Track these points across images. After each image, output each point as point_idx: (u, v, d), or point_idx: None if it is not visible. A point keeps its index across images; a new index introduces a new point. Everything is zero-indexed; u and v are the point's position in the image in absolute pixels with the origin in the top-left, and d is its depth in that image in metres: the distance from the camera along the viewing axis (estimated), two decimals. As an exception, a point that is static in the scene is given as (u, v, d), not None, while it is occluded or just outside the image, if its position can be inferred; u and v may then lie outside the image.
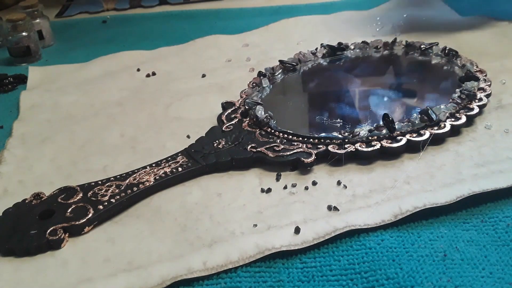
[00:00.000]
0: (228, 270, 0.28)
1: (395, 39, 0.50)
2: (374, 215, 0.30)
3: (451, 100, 0.39)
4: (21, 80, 0.56)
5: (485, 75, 0.43)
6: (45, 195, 0.34)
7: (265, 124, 0.39)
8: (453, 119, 0.37)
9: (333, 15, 0.66)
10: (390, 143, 0.35)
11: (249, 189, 0.34)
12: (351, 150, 0.35)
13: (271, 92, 0.45)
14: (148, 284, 0.27)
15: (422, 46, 0.49)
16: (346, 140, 0.36)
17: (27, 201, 0.33)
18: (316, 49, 0.51)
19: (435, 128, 0.36)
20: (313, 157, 0.34)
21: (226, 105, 0.43)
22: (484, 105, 0.39)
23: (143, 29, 0.70)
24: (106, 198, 0.32)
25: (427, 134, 0.35)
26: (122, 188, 0.33)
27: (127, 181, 0.34)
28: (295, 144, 0.36)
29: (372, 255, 0.28)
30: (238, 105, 0.42)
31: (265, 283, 0.27)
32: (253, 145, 0.36)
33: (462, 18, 0.61)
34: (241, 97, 0.44)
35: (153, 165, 0.35)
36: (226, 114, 0.41)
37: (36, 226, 0.31)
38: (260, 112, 0.39)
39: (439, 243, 0.28)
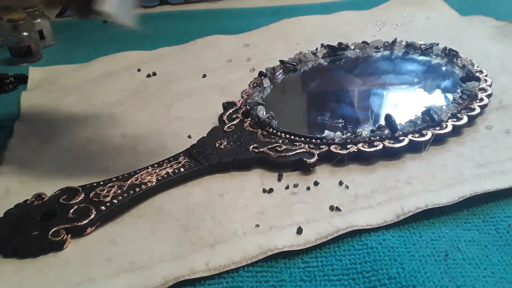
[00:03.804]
0: (230, 270, 0.28)
1: (395, 39, 0.51)
2: (376, 216, 0.30)
3: (452, 100, 0.39)
4: (22, 80, 0.56)
5: (486, 75, 0.43)
6: (46, 196, 0.34)
7: (266, 124, 0.39)
8: (454, 119, 0.37)
9: (333, 15, 0.66)
10: (392, 143, 0.35)
11: (251, 190, 0.34)
12: (353, 151, 0.35)
13: (272, 92, 0.45)
14: (150, 285, 0.27)
15: (422, 46, 0.49)
16: (349, 141, 0.36)
17: (28, 202, 0.33)
18: (317, 49, 0.51)
19: (437, 128, 0.36)
20: (316, 157, 0.35)
21: (227, 105, 0.43)
22: (485, 105, 0.39)
23: (143, 29, 0.70)
24: (108, 198, 0.32)
25: (429, 134, 0.35)
26: (124, 188, 0.33)
27: (129, 181, 0.34)
28: (297, 144, 0.36)
29: (374, 255, 0.28)
30: (239, 105, 0.42)
31: (267, 282, 0.27)
32: (255, 145, 0.36)
33: (462, 18, 0.61)
34: (242, 97, 0.44)
35: (155, 165, 0.35)
36: (227, 114, 0.41)
37: (38, 227, 0.31)
38: (261, 112, 0.39)
39: (441, 243, 0.28)
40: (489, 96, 0.40)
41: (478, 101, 0.39)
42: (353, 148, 0.35)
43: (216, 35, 0.62)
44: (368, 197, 0.32)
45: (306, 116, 0.43)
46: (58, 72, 0.57)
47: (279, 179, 0.34)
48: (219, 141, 0.37)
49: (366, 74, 0.48)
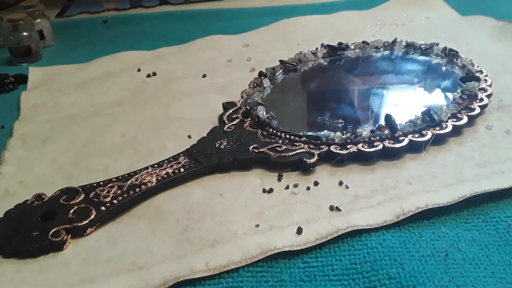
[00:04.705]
0: (230, 270, 0.28)
1: (395, 39, 0.51)
2: (376, 216, 0.30)
3: (452, 100, 0.39)
4: (22, 80, 0.56)
5: (486, 75, 0.43)
6: (46, 196, 0.34)
7: (266, 124, 0.39)
8: (454, 120, 0.37)
9: (333, 15, 0.66)
10: (392, 143, 0.35)
11: (251, 189, 0.34)
12: (353, 151, 0.35)
13: (272, 92, 0.45)
14: (150, 284, 0.27)
15: (422, 46, 0.49)
16: (349, 141, 0.36)
17: (28, 202, 0.33)
18: (317, 49, 0.51)
19: (437, 128, 0.36)
20: (316, 157, 0.35)
21: (227, 105, 0.43)
22: (485, 106, 0.39)
23: (143, 29, 0.70)
24: (108, 199, 0.32)
25: (429, 135, 0.35)
26: (124, 189, 0.33)
27: (129, 182, 0.34)
28: (297, 144, 0.36)
29: (374, 255, 0.28)
30: (239, 105, 0.42)
31: (266, 283, 0.27)
32: (255, 145, 0.36)
33: (462, 18, 0.61)
34: (242, 97, 0.44)
35: (155, 165, 0.35)
36: (227, 114, 0.41)
37: (38, 227, 0.31)
38: (261, 112, 0.39)
39: (441, 243, 0.28)
40: (489, 96, 0.40)
41: (478, 101, 0.39)
42: (353, 148, 0.35)
43: (216, 35, 0.62)
44: (368, 197, 0.32)
45: (306, 116, 0.43)
46: (58, 72, 0.57)
47: (279, 179, 0.34)
48: (219, 141, 0.37)
49: (366, 74, 0.48)
